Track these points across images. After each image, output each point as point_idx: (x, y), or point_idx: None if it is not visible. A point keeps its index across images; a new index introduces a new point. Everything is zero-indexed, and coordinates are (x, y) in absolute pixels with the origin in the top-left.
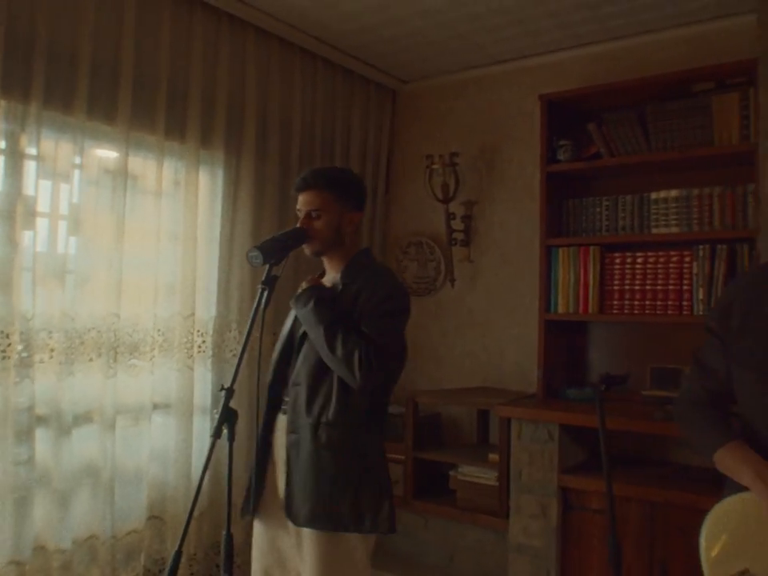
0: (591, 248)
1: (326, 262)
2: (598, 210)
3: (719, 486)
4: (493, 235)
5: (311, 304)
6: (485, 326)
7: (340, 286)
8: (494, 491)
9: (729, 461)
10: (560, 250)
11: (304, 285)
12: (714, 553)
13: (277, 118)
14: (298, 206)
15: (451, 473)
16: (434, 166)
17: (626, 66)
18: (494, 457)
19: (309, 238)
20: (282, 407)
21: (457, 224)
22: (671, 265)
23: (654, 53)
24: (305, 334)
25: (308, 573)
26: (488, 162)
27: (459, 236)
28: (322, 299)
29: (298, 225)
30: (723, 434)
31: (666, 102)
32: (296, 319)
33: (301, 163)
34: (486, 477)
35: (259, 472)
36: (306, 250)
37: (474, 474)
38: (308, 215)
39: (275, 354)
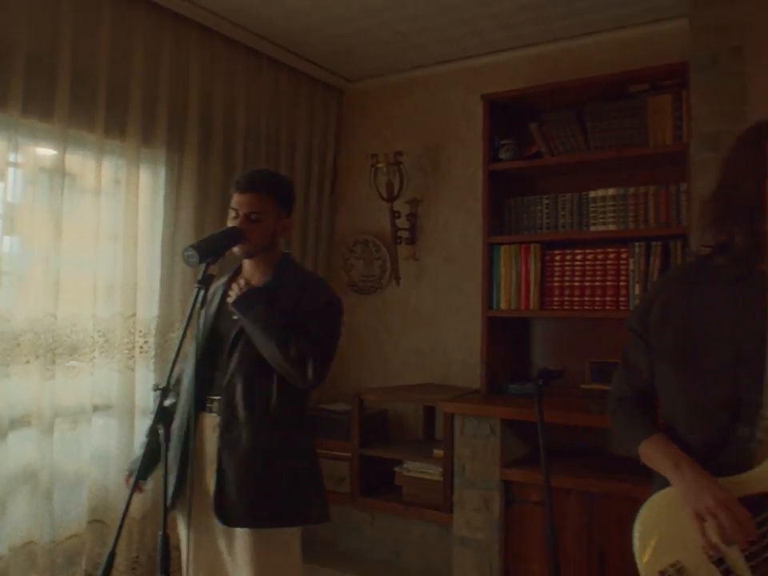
0: (532, 246)
1: (251, 265)
2: (539, 208)
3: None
4: (438, 233)
5: (259, 307)
6: (430, 324)
7: (269, 286)
8: (438, 486)
9: (651, 453)
10: (502, 247)
11: (242, 287)
12: (646, 548)
13: (221, 117)
14: (234, 205)
15: (397, 469)
16: (379, 165)
17: (567, 67)
18: (438, 452)
19: (245, 239)
20: (208, 406)
21: (402, 222)
22: (609, 261)
23: (593, 54)
24: (239, 335)
25: (244, 573)
26: (433, 161)
27: (404, 234)
28: (271, 303)
29: (235, 224)
30: (647, 429)
31: (604, 103)
32: (223, 318)
33: (245, 162)
34: (431, 472)
35: (182, 474)
36: (239, 250)
37: (419, 469)
38: (247, 217)
39: (194, 353)
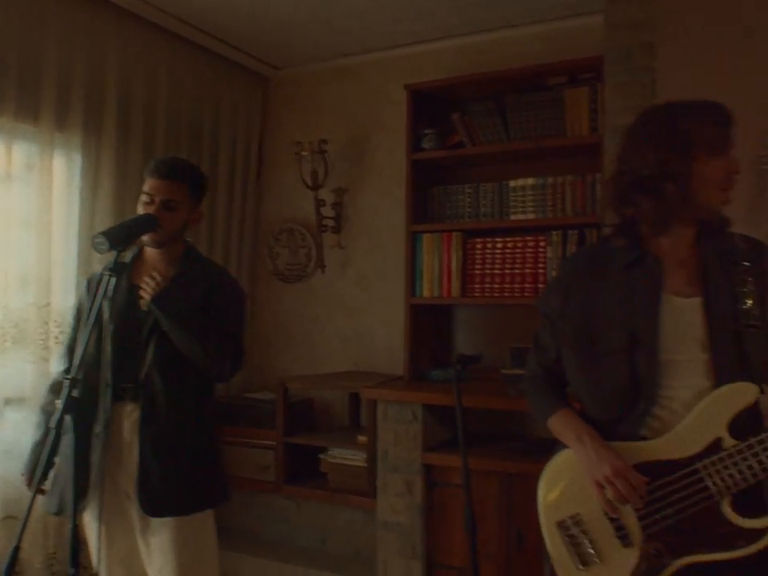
0: (454, 234)
1: (156, 255)
2: (461, 197)
3: None
4: (363, 222)
5: (178, 306)
6: (356, 311)
7: (179, 280)
8: (363, 472)
9: (557, 427)
10: (424, 236)
11: (159, 281)
12: (549, 499)
13: (140, 101)
14: (149, 191)
15: (321, 456)
16: (303, 153)
17: (489, 59)
18: (362, 438)
19: (159, 227)
20: (120, 394)
21: (327, 211)
22: (528, 249)
23: (515, 47)
24: (155, 327)
25: (165, 561)
26: (359, 150)
27: (330, 223)
28: (187, 299)
29: (149, 211)
30: (554, 404)
31: (524, 95)
32: (132, 306)
33: (166, 148)
34: (356, 458)
35: (81, 466)
36: (149, 238)
37: (343, 456)
38: (164, 204)
39: (110, 342)
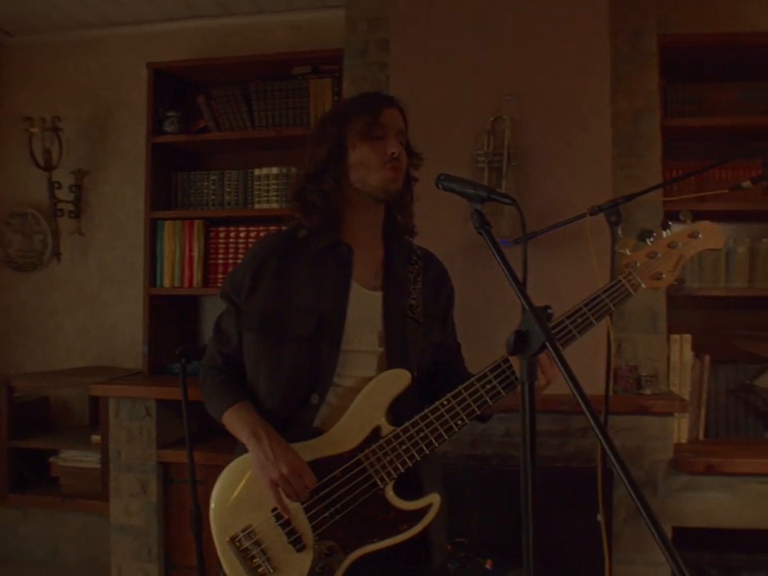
0: (196, 222)
1: None
2: (205, 184)
3: None
4: (106, 207)
5: None
6: (97, 303)
7: None
8: (98, 474)
9: (232, 422)
10: (165, 223)
11: None
12: (220, 515)
13: None
14: None
15: (52, 459)
16: (33, 130)
17: (239, 43)
18: (96, 438)
19: None
20: None
21: (65, 194)
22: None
23: (264, 34)
24: None
25: None
26: (101, 130)
27: (68, 207)
28: None
29: None
30: (231, 397)
31: (270, 82)
32: None
33: None
34: (89, 460)
35: None
36: None
37: (76, 458)
38: None
39: None
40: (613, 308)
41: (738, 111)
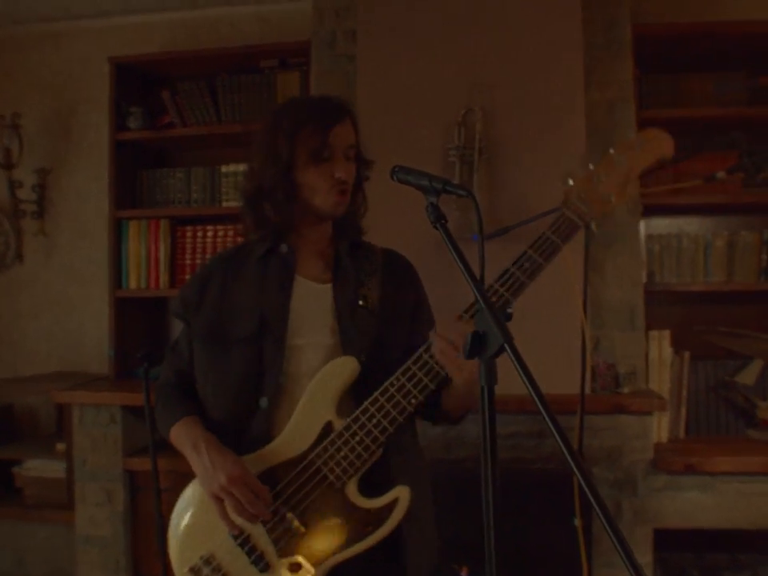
0: (162, 221)
1: None
2: (171, 181)
3: None
4: (70, 206)
5: None
6: (63, 306)
7: None
8: (62, 484)
9: (177, 438)
10: (131, 223)
11: None
12: (177, 545)
13: None
14: None
15: (15, 469)
16: None
17: (206, 37)
18: (61, 447)
19: None
20: None
21: (26, 193)
22: (240, 238)
23: (232, 26)
24: None
25: None
26: (64, 127)
27: (31, 207)
28: None
29: None
30: (178, 412)
31: (236, 76)
32: None
33: None
34: (54, 469)
35: None
36: None
37: (40, 467)
38: None
39: None
40: (561, 244)
41: (713, 102)
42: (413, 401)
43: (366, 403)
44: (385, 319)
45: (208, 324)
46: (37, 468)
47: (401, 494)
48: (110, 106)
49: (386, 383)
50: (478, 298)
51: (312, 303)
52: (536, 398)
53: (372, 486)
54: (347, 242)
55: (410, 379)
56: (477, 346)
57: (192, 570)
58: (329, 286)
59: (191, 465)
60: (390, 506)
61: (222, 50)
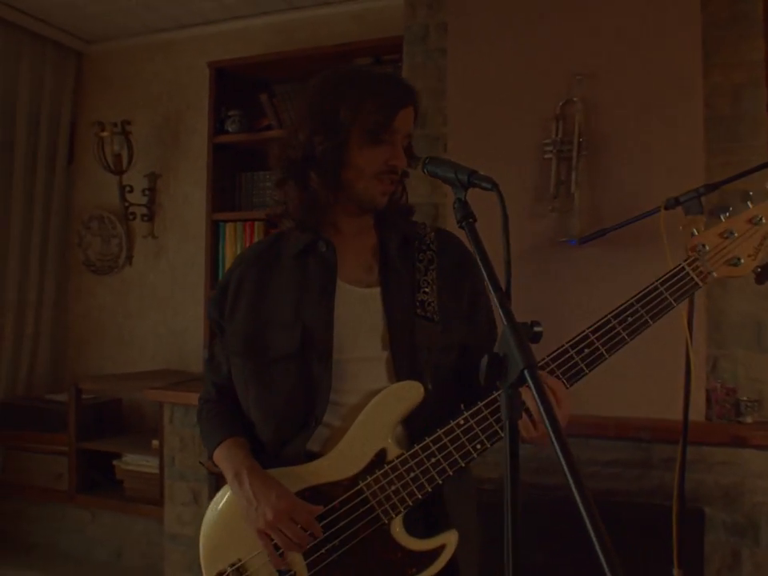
0: (256, 224)
1: None
2: (267, 184)
3: None
4: (177, 209)
5: None
6: (169, 306)
7: None
8: (156, 479)
9: (219, 461)
10: (227, 225)
11: None
12: (208, 548)
13: None
14: None
15: (115, 462)
16: (103, 134)
17: (303, 38)
18: (156, 443)
19: None
20: None
21: (137, 197)
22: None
23: (329, 26)
24: None
25: None
26: (173, 132)
27: (141, 210)
28: None
29: None
30: (220, 433)
31: None
32: None
33: None
34: (149, 465)
35: None
36: None
37: (137, 462)
38: None
39: None
40: (674, 303)
41: None
42: (478, 446)
43: (427, 440)
44: (446, 326)
45: (244, 337)
46: (134, 462)
47: (449, 540)
48: (209, 111)
49: (453, 423)
50: (501, 312)
51: (358, 311)
52: (559, 452)
53: (421, 513)
54: (397, 236)
55: (479, 423)
56: (495, 371)
57: (220, 574)
58: (377, 290)
59: (233, 492)
60: (437, 552)
61: (315, 49)
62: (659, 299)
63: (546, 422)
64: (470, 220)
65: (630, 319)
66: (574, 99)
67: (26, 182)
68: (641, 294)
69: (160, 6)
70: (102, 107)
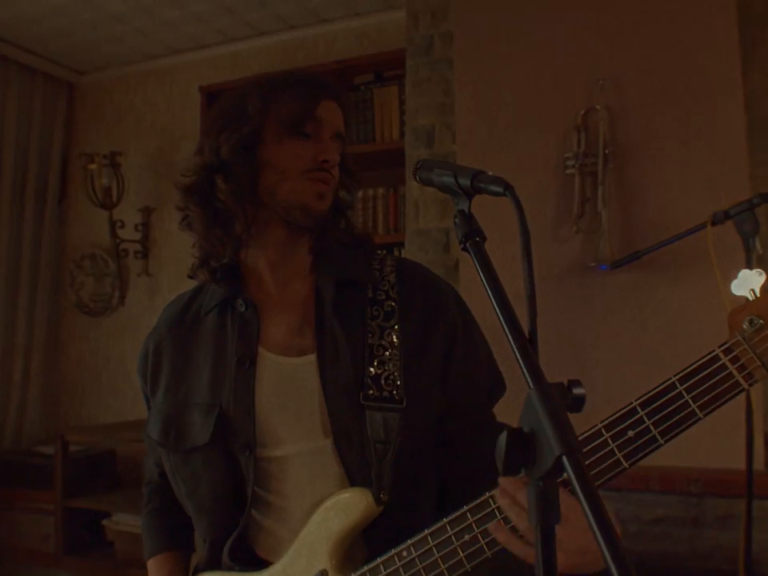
0: None
1: None
2: None
3: None
4: (173, 245)
5: None
6: None
7: None
8: None
9: (149, 573)
10: None
11: None
12: None
13: None
14: None
15: (105, 522)
16: (91, 167)
17: (304, 58)
18: None
19: None
20: None
21: (129, 233)
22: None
23: (328, 44)
24: None
25: None
26: (167, 162)
27: (134, 247)
28: None
29: None
30: (157, 542)
31: None
32: None
33: None
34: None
35: None
36: None
37: (128, 522)
38: None
39: None
40: (701, 416)
41: None
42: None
43: (378, 560)
44: (414, 405)
45: (162, 422)
46: (125, 522)
47: None
48: (201, 137)
49: (427, 531)
50: (524, 370)
51: (288, 389)
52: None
53: None
54: (339, 281)
55: (458, 535)
56: (517, 453)
57: None
58: (312, 357)
59: None
60: None
61: (313, 67)
62: (675, 405)
63: (599, 536)
64: (476, 239)
65: (620, 440)
66: (597, 107)
67: (13, 219)
68: (650, 396)
69: (152, 31)
70: (95, 139)
